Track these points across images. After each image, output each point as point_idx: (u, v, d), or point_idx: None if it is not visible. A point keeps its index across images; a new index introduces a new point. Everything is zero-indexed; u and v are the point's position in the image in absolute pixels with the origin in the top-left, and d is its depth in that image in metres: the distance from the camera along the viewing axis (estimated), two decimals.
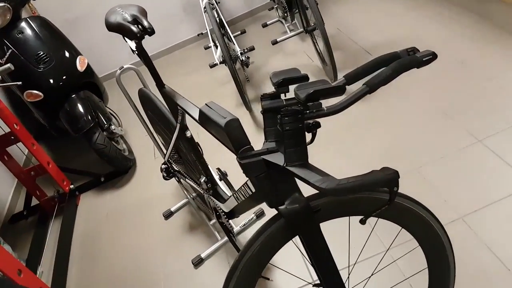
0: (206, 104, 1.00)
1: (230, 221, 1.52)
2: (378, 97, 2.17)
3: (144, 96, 1.69)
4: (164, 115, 1.52)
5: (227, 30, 2.39)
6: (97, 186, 2.44)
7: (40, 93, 2.19)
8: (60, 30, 2.41)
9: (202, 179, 1.46)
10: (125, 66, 1.63)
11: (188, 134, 1.40)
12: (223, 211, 1.40)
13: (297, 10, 2.71)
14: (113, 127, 2.38)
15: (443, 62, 2.23)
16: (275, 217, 0.95)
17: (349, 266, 1.42)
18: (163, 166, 1.79)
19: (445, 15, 2.57)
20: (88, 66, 2.37)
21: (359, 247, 1.47)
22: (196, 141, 1.46)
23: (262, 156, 0.89)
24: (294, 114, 0.80)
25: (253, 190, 1.00)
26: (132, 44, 1.28)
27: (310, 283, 1.47)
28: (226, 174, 1.65)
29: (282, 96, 0.89)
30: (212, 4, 2.39)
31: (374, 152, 1.91)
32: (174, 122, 1.49)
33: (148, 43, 3.43)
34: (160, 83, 1.35)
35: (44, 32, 2.28)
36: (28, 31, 2.24)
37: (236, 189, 1.23)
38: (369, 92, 0.83)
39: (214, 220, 1.86)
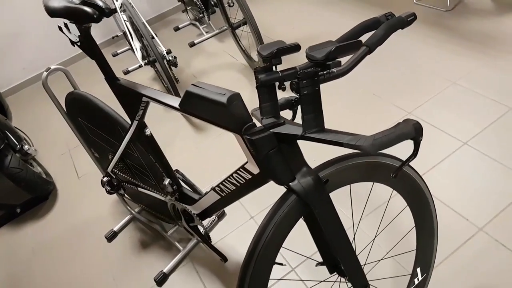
0: (193, 84, 0.91)
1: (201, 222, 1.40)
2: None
3: (76, 100, 1.48)
4: (108, 117, 1.36)
5: (149, 30, 2.24)
6: (13, 219, 2.09)
7: None
8: None
9: (167, 182, 1.32)
10: (52, 67, 1.42)
11: (147, 132, 1.26)
12: (194, 213, 1.29)
13: (212, 11, 2.68)
14: (26, 147, 2.06)
15: None
16: (284, 196, 0.89)
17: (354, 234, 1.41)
18: (105, 179, 1.60)
19: (353, 10, 2.76)
20: None
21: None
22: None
23: (272, 130, 0.83)
24: (311, 77, 0.76)
25: (255, 172, 0.92)
26: (75, 34, 1.12)
27: (309, 258, 1.43)
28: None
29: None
30: (130, 3, 2.23)
31: None
32: (124, 123, 1.34)
33: (44, 54, 3.11)
34: (113, 75, 1.20)
35: None
36: None
37: (208, 187, 1.14)
38: (369, 52, 0.83)
39: (172, 230, 1.71)
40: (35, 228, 2.02)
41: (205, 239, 1.38)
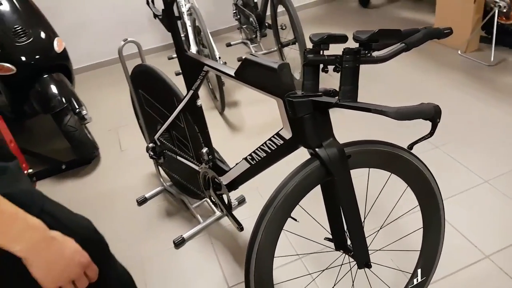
0: (250, 54, 1.09)
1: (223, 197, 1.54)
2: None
3: (141, 72, 1.70)
4: (167, 88, 1.56)
5: (209, 35, 2.48)
6: (57, 174, 2.31)
7: (13, 67, 2.08)
8: (39, 9, 2.35)
9: (204, 150, 1.49)
10: (128, 39, 1.65)
11: (198, 103, 1.44)
12: (223, 183, 1.44)
13: (263, 34, 2.93)
14: (84, 112, 2.30)
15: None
16: (308, 160, 1.03)
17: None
18: (150, 145, 1.79)
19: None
20: (65, 50, 2.31)
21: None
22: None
23: (310, 98, 0.99)
24: (354, 54, 0.90)
25: (287, 137, 1.07)
26: (158, 8, 1.33)
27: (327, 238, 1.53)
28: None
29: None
30: (197, 9, 2.49)
31: None
32: (180, 94, 1.53)
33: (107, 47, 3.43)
34: (183, 47, 1.40)
35: (24, 7, 2.21)
36: (6, 4, 2.15)
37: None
38: (405, 50, 0.97)
39: (196, 204, 1.86)
40: (74, 185, 2.22)
41: (228, 207, 1.52)
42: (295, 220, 1.12)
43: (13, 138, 2.18)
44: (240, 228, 1.49)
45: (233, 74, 1.16)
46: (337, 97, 0.95)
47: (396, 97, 2.47)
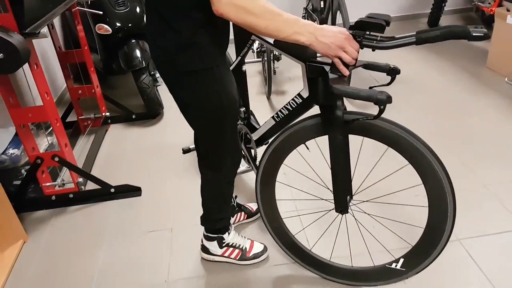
0: None
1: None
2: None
3: None
4: None
5: None
6: (128, 121, 2.82)
7: (109, 28, 2.61)
8: None
9: (242, 109, 1.81)
10: None
11: (244, 68, 1.74)
12: (253, 138, 1.70)
13: None
14: (157, 75, 2.78)
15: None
16: (315, 115, 1.30)
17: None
18: None
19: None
20: None
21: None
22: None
23: (322, 64, 1.23)
24: (354, 37, 1.08)
25: (305, 96, 1.33)
26: None
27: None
28: None
29: None
30: None
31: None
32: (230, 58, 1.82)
33: None
34: None
35: None
36: None
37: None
38: (415, 43, 1.04)
39: None
40: (140, 132, 2.70)
41: (253, 159, 1.85)
42: (307, 148, 1.43)
43: (99, 86, 2.72)
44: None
45: (272, 42, 1.40)
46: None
47: (433, 110, 2.64)
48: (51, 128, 2.01)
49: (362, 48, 1.10)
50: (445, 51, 3.45)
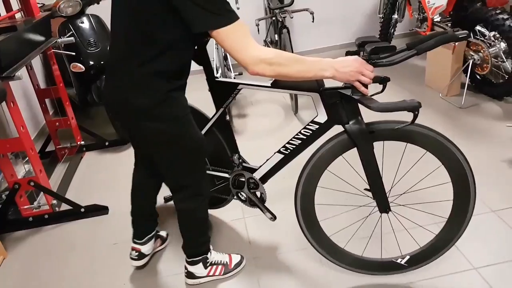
0: None
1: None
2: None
3: None
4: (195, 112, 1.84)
5: (228, 62, 3.18)
6: (101, 148, 3.10)
7: (83, 67, 2.92)
8: (108, 28, 3.22)
9: (235, 156, 1.84)
10: None
11: (227, 117, 1.80)
12: (257, 178, 1.78)
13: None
14: None
15: None
16: (337, 134, 1.49)
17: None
18: None
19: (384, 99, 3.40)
20: None
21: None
22: None
23: (337, 90, 1.44)
24: (366, 60, 1.34)
25: (322, 121, 1.51)
26: None
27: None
28: None
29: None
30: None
31: None
32: (206, 115, 1.85)
33: None
34: (213, 76, 1.67)
35: (98, 26, 3.08)
36: (87, 23, 3.04)
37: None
38: (416, 54, 1.31)
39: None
40: (112, 157, 2.98)
41: (261, 200, 1.87)
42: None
43: (75, 117, 3.01)
44: (274, 217, 1.85)
45: (269, 85, 1.55)
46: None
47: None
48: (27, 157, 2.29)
49: (375, 67, 1.35)
50: (388, 72, 3.79)
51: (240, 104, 3.58)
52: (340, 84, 1.43)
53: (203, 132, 1.79)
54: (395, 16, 4.00)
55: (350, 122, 1.46)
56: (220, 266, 1.84)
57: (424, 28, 3.48)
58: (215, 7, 1.21)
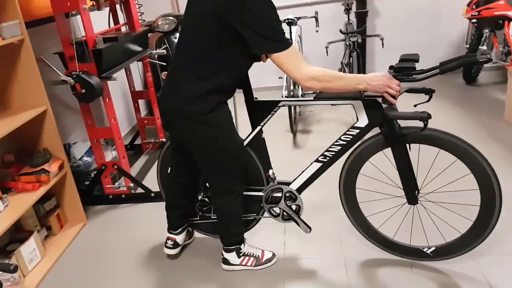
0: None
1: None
2: None
3: None
4: None
5: None
6: None
7: None
8: None
9: (270, 171, 1.98)
10: None
11: (263, 135, 1.93)
12: (294, 190, 1.95)
13: None
14: None
15: None
16: (375, 135, 1.75)
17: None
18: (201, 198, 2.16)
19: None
20: None
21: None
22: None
23: (375, 98, 1.68)
24: (394, 76, 1.61)
25: (363, 125, 1.72)
26: None
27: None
28: None
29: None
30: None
31: None
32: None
33: None
34: (252, 97, 1.85)
35: None
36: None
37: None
38: (440, 73, 1.57)
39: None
40: None
41: (297, 213, 2.00)
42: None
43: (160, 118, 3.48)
44: (309, 229, 2.00)
45: (312, 99, 1.77)
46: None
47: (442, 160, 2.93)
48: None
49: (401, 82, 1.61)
50: (465, 105, 3.68)
51: (308, 120, 3.78)
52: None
53: None
54: (483, 47, 3.88)
55: (385, 125, 1.70)
56: (252, 258, 2.05)
57: (508, 62, 3.36)
58: (276, 36, 1.51)
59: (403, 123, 1.74)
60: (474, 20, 3.66)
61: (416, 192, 1.83)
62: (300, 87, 3.44)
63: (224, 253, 2.06)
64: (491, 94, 3.87)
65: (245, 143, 1.92)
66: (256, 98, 1.86)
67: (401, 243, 1.95)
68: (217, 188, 1.90)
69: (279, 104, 1.83)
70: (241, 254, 2.04)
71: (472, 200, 2.21)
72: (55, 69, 2.39)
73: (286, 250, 2.16)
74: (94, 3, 2.78)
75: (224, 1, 1.49)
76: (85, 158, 2.79)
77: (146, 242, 2.37)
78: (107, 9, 3.07)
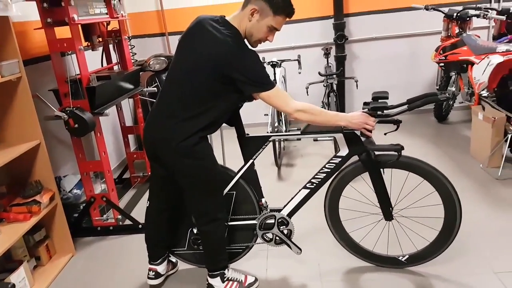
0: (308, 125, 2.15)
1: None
2: None
3: None
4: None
5: (283, 117, 3.63)
6: None
7: None
8: None
9: (263, 200, 2.13)
10: None
11: (254, 167, 2.10)
12: (285, 216, 2.11)
13: None
14: None
15: None
16: (354, 161, 2.01)
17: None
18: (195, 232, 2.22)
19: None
20: None
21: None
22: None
23: (354, 131, 1.93)
24: (370, 114, 1.89)
25: (344, 154, 1.97)
26: None
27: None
28: None
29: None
30: None
31: None
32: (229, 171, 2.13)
33: None
34: (244, 132, 2.06)
35: None
36: None
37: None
38: (407, 110, 1.87)
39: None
40: None
41: (289, 236, 2.15)
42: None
43: None
44: (300, 251, 2.16)
45: (299, 133, 2.01)
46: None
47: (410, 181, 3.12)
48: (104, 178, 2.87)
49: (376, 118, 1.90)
50: (437, 140, 3.93)
51: (292, 155, 3.96)
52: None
53: (230, 185, 2.10)
54: (452, 89, 4.18)
55: (363, 154, 1.97)
56: (236, 283, 2.15)
57: (473, 102, 3.64)
58: (264, 79, 1.81)
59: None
60: (442, 64, 3.97)
61: (391, 209, 2.09)
62: (284, 123, 3.65)
63: (209, 279, 2.15)
64: (460, 131, 4.14)
65: (238, 175, 2.09)
66: (247, 134, 2.05)
67: (380, 254, 2.22)
68: (204, 216, 2.01)
69: (270, 139, 2.04)
70: (225, 279, 2.14)
71: (437, 213, 2.36)
72: (49, 105, 2.52)
73: (268, 275, 2.27)
74: (89, 43, 2.96)
75: (222, 55, 1.75)
76: (75, 191, 2.88)
77: (133, 273, 2.44)
78: (101, 48, 3.25)
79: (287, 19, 1.84)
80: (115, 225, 2.89)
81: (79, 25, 2.63)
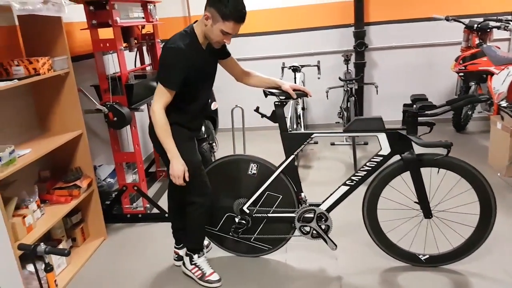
0: (356, 118, 2.33)
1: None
2: None
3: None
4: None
5: (301, 120, 3.78)
6: None
7: None
8: None
9: (303, 194, 2.22)
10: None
11: (296, 163, 2.30)
12: (324, 211, 2.19)
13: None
14: (214, 145, 3.82)
15: None
16: (395, 161, 2.09)
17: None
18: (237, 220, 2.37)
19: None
20: (217, 109, 3.93)
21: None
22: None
23: (397, 130, 2.05)
24: (413, 113, 2.00)
25: (386, 153, 2.06)
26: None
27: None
28: None
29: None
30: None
31: None
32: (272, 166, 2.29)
33: None
34: (286, 129, 2.18)
35: None
36: None
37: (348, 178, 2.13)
38: (450, 110, 2.00)
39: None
40: None
41: (326, 231, 2.24)
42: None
43: None
44: (335, 246, 2.24)
45: (342, 131, 2.10)
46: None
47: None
48: (136, 168, 3.07)
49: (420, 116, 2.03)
50: (456, 148, 4.01)
51: (309, 157, 4.11)
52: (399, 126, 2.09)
53: (271, 179, 2.24)
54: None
55: (405, 153, 2.04)
56: (199, 271, 2.29)
57: (492, 112, 3.73)
58: (162, 73, 2.00)
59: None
60: (462, 74, 4.07)
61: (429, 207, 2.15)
62: (302, 124, 3.80)
63: (185, 253, 2.36)
64: (478, 141, 4.22)
65: (279, 170, 2.20)
66: (290, 130, 2.19)
67: (416, 253, 2.26)
68: (184, 199, 2.22)
69: (312, 136, 2.15)
70: (192, 262, 2.31)
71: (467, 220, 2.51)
72: (92, 99, 2.75)
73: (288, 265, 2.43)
74: (127, 44, 3.19)
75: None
76: (108, 179, 3.10)
77: (159, 257, 2.63)
78: (135, 50, 3.47)
79: (240, 24, 1.93)
80: (143, 213, 3.08)
81: (120, 27, 2.85)
